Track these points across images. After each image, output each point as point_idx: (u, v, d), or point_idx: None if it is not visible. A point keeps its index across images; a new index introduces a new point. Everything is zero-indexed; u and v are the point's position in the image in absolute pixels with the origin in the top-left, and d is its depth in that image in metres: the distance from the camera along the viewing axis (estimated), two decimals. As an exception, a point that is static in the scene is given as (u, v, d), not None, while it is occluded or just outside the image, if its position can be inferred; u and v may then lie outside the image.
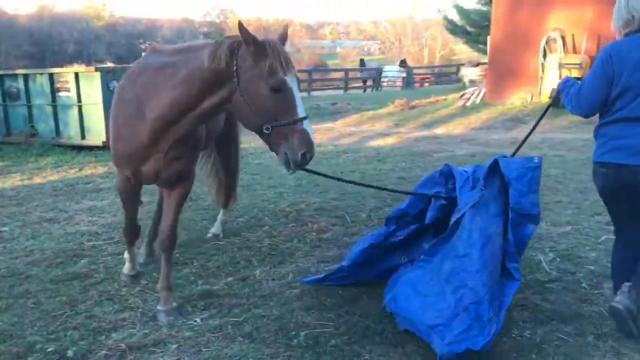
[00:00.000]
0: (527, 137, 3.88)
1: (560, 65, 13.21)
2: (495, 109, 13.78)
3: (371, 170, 7.86)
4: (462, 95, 16.37)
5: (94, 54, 57.72)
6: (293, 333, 3.30)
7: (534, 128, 3.88)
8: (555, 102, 3.59)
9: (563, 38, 14.09)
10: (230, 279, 4.16)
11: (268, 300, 3.78)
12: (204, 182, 5.28)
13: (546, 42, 14.38)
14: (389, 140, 11.29)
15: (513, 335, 3.26)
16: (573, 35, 14.13)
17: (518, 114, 13.20)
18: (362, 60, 36.65)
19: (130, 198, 3.89)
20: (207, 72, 3.14)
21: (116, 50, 64.60)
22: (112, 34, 69.45)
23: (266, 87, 3.03)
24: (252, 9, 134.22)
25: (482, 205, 3.24)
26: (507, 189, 3.30)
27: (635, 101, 2.99)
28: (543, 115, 3.87)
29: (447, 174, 3.70)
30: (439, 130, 12.34)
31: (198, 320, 3.52)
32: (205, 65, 3.13)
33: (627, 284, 3.14)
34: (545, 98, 13.73)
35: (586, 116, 3.26)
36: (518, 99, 14.67)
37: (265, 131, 3.08)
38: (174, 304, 3.63)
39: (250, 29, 3.06)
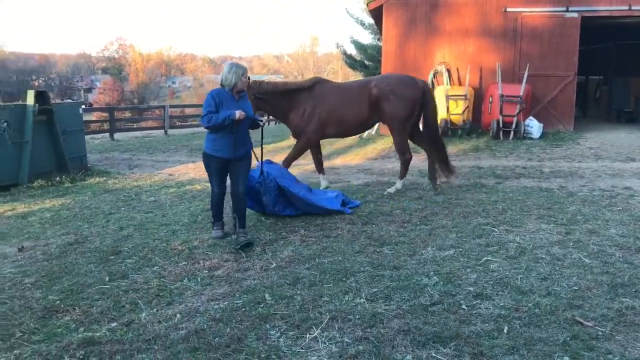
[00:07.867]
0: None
1: (447, 97, 14.00)
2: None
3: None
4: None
5: (-19, 91, 55.18)
6: (176, 376, 3.21)
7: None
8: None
9: (449, 71, 14.99)
10: (114, 324, 3.99)
11: (152, 344, 3.65)
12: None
13: (434, 75, 15.23)
14: (289, 173, 11.34)
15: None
16: (457, 68, 15.08)
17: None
18: None
19: None
20: None
21: (5, 87, 62.03)
22: (2, 71, 66.61)
23: None
24: (152, 44, 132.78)
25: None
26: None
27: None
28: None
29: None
30: (337, 161, 12.60)
31: (75, 371, 3.34)
32: None
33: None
34: (435, 128, 14.46)
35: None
36: (411, 129, 15.35)
37: None
38: None
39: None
